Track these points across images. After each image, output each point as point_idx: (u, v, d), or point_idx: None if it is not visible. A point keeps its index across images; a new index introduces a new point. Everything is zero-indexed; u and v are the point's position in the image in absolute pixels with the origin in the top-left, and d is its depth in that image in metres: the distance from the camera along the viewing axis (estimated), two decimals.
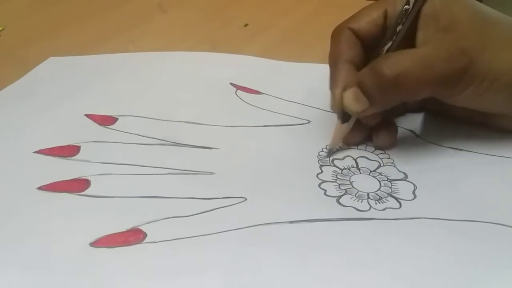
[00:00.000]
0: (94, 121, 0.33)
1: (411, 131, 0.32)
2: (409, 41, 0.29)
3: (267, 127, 0.33)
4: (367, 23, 0.31)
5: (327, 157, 0.30)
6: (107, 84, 0.37)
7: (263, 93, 0.37)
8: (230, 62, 0.40)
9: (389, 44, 0.29)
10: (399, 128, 0.32)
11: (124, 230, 0.25)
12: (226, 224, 0.25)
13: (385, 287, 0.22)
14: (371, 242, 0.24)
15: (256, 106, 0.35)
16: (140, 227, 0.25)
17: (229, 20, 0.48)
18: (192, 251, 0.24)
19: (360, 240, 0.24)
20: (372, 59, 0.30)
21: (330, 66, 0.31)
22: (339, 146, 0.31)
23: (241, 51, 0.42)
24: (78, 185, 0.27)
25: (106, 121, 0.33)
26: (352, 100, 0.29)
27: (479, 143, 0.31)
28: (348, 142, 0.31)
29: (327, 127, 0.33)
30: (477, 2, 0.30)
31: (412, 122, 0.33)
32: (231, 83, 0.37)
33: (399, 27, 0.29)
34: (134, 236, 0.24)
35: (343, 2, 0.50)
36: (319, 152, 0.31)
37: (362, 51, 0.31)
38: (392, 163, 0.30)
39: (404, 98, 0.29)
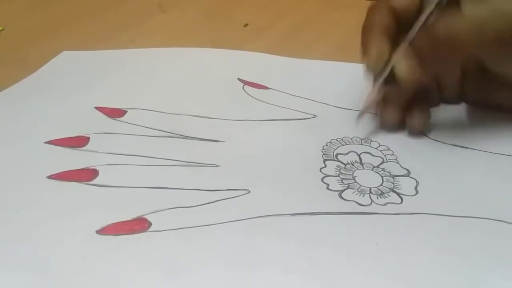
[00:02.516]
0: (104, 113, 0.34)
1: None
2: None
3: (273, 121, 0.34)
4: (406, 1, 0.31)
5: (357, 119, 0.31)
6: (117, 78, 0.38)
7: (270, 88, 0.37)
8: (237, 58, 0.41)
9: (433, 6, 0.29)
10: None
11: (130, 219, 0.25)
12: (229, 215, 0.26)
13: (384, 280, 0.23)
14: (371, 235, 0.25)
15: (263, 101, 0.36)
16: (145, 216, 0.25)
17: (229, 20, 0.48)
18: (195, 240, 0.24)
19: (360, 233, 0.25)
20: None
21: (364, 32, 0.31)
22: (339, 139, 0.32)
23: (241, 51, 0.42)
24: (87, 175, 0.28)
25: (116, 113, 0.34)
26: (404, 59, 0.29)
27: (484, 141, 0.31)
28: (385, 122, 0.32)
29: (332, 121, 0.33)
30: None
31: None
32: (238, 79, 0.38)
33: None
34: (139, 225, 0.25)
35: (343, 2, 0.50)
36: (323, 146, 0.31)
37: (395, 27, 0.31)
38: (395, 159, 0.30)
39: (456, 58, 0.29)
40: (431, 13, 0.30)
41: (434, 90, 0.34)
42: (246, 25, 0.46)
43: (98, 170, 0.29)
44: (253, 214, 0.26)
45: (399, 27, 0.31)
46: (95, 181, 0.28)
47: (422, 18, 0.30)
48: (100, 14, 0.49)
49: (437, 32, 0.28)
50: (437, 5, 0.29)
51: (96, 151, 0.30)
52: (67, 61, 0.41)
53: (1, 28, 0.45)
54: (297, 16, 0.49)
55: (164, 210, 0.26)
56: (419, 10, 0.31)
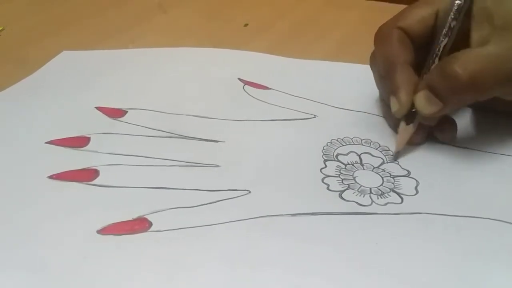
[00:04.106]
0: (104, 113, 0.34)
1: None
2: (462, 42, 0.29)
3: (273, 121, 0.34)
4: (418, 22, 0.31)
5: (394, 161, 0.30)
6: (118, 78, 0.38)
7: (271, 89, 0.37)
8: (238, 58, 0.41)
9: (446, 40, 0.29)
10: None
11: (131, 219, 0.25)
12: (229, 215, 0.26)
13: (385, 280, 0.23)
14: (372, 235, 0.25)
15: (263, 101, 0.36)
16: (145, 216, 0.25)
17: (229, 20, 0.48)
18: (196, 240, 0.24)
19: (361, 233, 0.25)
20: (426, 60, 0.30)
21: (386, 70, 0.31)
22: (340, 139, 0.32)
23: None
24: (87, 175, 0.28)
25: (116, 113, 0.34)
26: (425, 103, 0.29)
27: (485, 141, 0.31)
28: (412, 143, 0.31)
29: (332, 121, 0.33)
30: None
31: None
32: (238, 78, 0.38)
33: (453, 23, 0.29)
34: (140, 224, 0.25)
35: (343, 2, 0.50)
36: (323, 147, 0.31)
37: (414, 52, 0.31)
38: (395, 160, 0.30)
39: (478, 97, 0.29)
40: (444, 46, 0.29)
41: None
42: (246, 25, 0.46)
43: (98, 170, 0.29)
44: (254, 214, 0.26)
45: (416, 46, 0.31)
46: (95, 181, 0.28)
47: (434, 52, 0.29)
48: (100, 14, 0.48)
49: (457, 74, 0.27)
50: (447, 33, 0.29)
51: (97, 151, 0.30)
52: (67, 61, 0.40)
53: (1, 28, 0.45)
54: (297, 16, 0.49)
55: (164, 210, 0.26)
56: (431, 33, 0.30)
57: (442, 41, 0.29)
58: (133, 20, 0.47)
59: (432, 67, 0.30)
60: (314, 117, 0.34)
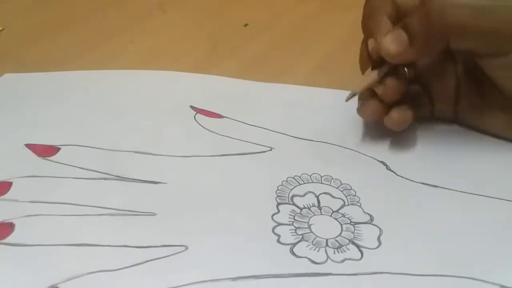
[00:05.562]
0: (34, 151, 0.30)
1: (382, 162, 0.29)
2: None
3: (224, 157, 0.30)
4: None
5: (346, 101, 0.29)
6: (55, 107, 0.34)
7: (224, 117, 0.33)
8: (194, 82, 0.37)
9: None
10: (368, 159, 0.29)
11: None
12: (159, 282, 0.22)
13: None
14: None
15: (215, 132, 0.32)
16: (58, 286, 0.22)
17: (229, 20, 0.47)
18: None
19: None
20: None
21: (367, 14, 0.30)
22: (297, 177, 0.28)
23: (241, 51, 0.42)
24: (0, 231, 0.24)
25: (47, 151, 0.30)
26: (391, 41, 0.28)
27: (458, 178, 0.28)
28: (364, 115, 0.31)
29: (290, 154, 0.30)
30: None
31: (384, 152, 0.30)
32: (191, 106, 0.34)
33: None
34: None
35: (343, 2, 0.50)
36: (278, 186, 0.28)
37: (396, 13, 0.30)
38: (358, 202, 0.27)
39: (449, 39, 0.27)
40: None
41: (425, 98, 0.32)
42: (246, 25, 0.46)
43: (14, 224, 0.25)
44: (188, 279, 0.22)
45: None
46: (8, 239, 0.24)
47: None
48: (100, 14, 0.48)
49: (431, 5, 0.26)
50: None
51: (17, 200, 0.26)
52: (5, 86, 0.37)
53: (1, 28, 0.45)
54: (297, 16, 0.48)
55: (82, 275, 0.22)
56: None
57: None
58: (133, 20, 0.47)
59: None
60: (271, 149, 0.30)
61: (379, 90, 0.29)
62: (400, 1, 0.30)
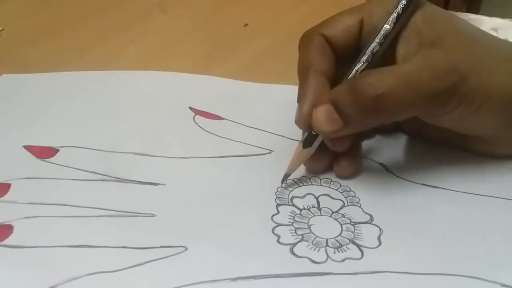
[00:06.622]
0: (33, 153, 0.30)
1: (381, 164, 0.29)
2: (387, 55, 0.26)
3: (223, 158, 0.30)
4: (342, 30, 0.28)
5: (281, 182, 0.27)
6: (54, 108, 0.34)
7: (224, 119, 0.33)
8: (193, 83, 0.37)
9: (363, 65, 0.26)
10: (368, 161, 0.29)
11: None
12: (158, 283, 0.22)
13: None
14: None
15: (214, 134, 0.32)
16: (57, 287, 0.22)
17: (229, 20, 0.47)
18: None
19: None
20: (344, 76, 0.27)
21: (299, 76, 0.28)
22: (296, 179, 0.28)
23: (241, 51, 0.42)
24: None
25: (45, 153, 0.30)
26: (324, 119, 0.26)
27: (457, 179, 0.27)
28: (310, 169, 0.28)
29: (289, 157, 0.29)
30: (461, 18, 0.27)
31: (383, 154, 0.30)
32: (190, 107, 0.34)
33: (375, 47, 0.26)
34: None
35: (343, 2, 0.49)
36: (277, 188, 0.27)
37: (334, 61, 0.28)
38: (357, 202, 0.26)
39: (386, 119, 0.26)
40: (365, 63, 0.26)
41: None
42: (246, 25, 0.46)
43: (13, 226, 0.25)
44: (188, 280, 0.22)
45: (338, 61, 0.28)
46: (7, 241, 0.24)
47: (353, 69, 0.26)
48: (100, 14, 0.48)
49: (364, 93, 0.24)
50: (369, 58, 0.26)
51: (15, 202, 0.26)
52: (3, 87, 0.37)
53: (1, 28, 0.45)
54: (297, 16, 0.48)
55: (81, 277, 0.22)
56: (357, 40, 0.28)
57: (359, 63, 0.26)
58: (133, 20, 0.47)
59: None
60: (270, 152, 0.30)
61: (328, 144, 0.27)
62: (338, 34, 0.28)
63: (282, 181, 0.27)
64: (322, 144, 0.27)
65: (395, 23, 0.26)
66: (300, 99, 0.27)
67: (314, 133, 0.27)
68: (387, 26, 0.26)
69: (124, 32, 0.44)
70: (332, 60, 0.28)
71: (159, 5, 0.50)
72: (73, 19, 0.47)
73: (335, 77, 0.28)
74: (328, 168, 0.28)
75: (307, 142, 0.27)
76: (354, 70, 0.26)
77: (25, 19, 0.47)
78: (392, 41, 0.26)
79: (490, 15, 0.38)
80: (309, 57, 0.27)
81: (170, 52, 0.42)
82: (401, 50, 0.26)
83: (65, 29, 0.45)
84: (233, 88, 0.37)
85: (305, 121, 0.27)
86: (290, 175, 0.27)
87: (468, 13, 0.27)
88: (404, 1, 0.26)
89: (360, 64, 0.26)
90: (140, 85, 0.37)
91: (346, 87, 0.25)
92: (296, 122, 0.28)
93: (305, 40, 0.28)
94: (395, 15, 0.26)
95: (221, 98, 0.35)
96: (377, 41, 0.26)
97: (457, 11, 0.32)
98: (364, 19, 0.28)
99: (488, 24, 0.26)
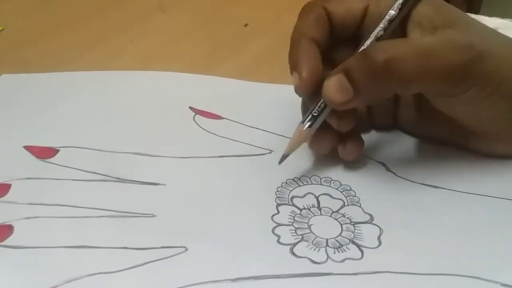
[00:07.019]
0: (33, 153, 0.30)
1: (381, 163, 0.29)
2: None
3: (223, 158, 0.30)
4: (345, 10, 0.28)
5: (279, 163, 0.27)
6: (54, 108, 0.34)
7: (224, 118, 0.33)
8: (193, 83, 0.37)
9: (381, 31, 0.26)
10: (368, 160, 0.29)
11: None
12: (157, 284, 0.22)
13: None
14: None
15: (214, 134, 0.32)
16: None
17: (229, 20, 0.47)
18: None
19: None
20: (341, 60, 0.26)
21: (292, 41, 0.28)
22: (296, 178, 0.28)
23: (241, 51, 0.42)
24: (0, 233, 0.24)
25: (46, 153, 0.30)
26: (336, 89, 0.25)
27: (457, 179, 0.27)
28: (315, 150, 0.28)
29: (290, 156, 0.29)
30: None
31: (383, 152, 0.30)
32: (190, 107, 0.34)
33: (379, 32, 0.26)
34: None
35: None
36: (277, 188, 0.27)
37: (329, 35, 0.28)
38: (357, 202, 0.26)
39: (396, 89, 0.25)
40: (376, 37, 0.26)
41: (365, 117, 0.31)
42: (246, 25, 0.46)
43: (13, 227, 0.25)
44: (188, 280, 0.22)
45: (333, 39, 0.28)
46: (7, 241, 0.24)
47: (366, 40, 0.26)
48: (100, 14, 0.48)
49: (375, 57, 0.24)
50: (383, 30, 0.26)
51: (16, 202, 0.26)
52: (2, 87, 0.37)
53: (1, 28, 0.45)
54: (297, 16, 0.48)
55: (82, 277, 0.22)
56: (359, 26, 0.28)
57: (376, 31, 0.26)
58: (133, 20, 0.47)
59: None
60: (270, 152, 0.30)
61: (333, 123, 0.27)
62: (340, 12, 0.28)
63: (280, 162, 0.27)
64: (326, 124, 0.27)
65: (400, 9, 0.26)
66: (296, 66, 0.27)
67: (315, 114, 0.27)
68: (392, 12, 0.26)
69: (124, 32, 0.44)
70: (328, 32, 0.27)
71: (159, 5, 0.50)
72: (73, 19, 0.47)
73: (328, 56, 0.28)
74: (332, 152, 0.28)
75: (308, 122, 0.27)
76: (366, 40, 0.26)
77: (25, 19, 0.47)
78: (401, 28, 0.26)
79: (490, 15, 0.38)
80: (306, 25, 0.27)
81: (170, 52, 0.42)
82: (415, 34, 0.26)
83: (65, 29, 0.45)
84: (233, 88, 0.37)
85: (305, 87, 0.26)
86: (288, 155, 0.27)
87: (468, 13, 0.27)
88: None
89: (364, 48, 0.26)
90: (140, 85, 0.37)
91: (359, 57, 0.25)
92: (296, 89, 0.27)
93: (306, 9, 0.28)
94: (400, 1, 0.26)
95: (221, 98, 0.35)
96: (382, 26, 0.26)
97: None
98: (370, 7, 0.27)
99: (488, 24, 0.26)
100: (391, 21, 0.26)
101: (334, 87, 0.25)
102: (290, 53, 0.28)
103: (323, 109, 0.27)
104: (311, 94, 0.27)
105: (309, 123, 0.27)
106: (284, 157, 0.27)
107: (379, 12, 0.27)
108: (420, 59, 0.24)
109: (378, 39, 0.26)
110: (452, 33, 0.25)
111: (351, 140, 0.28)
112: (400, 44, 0.25)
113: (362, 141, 0.29)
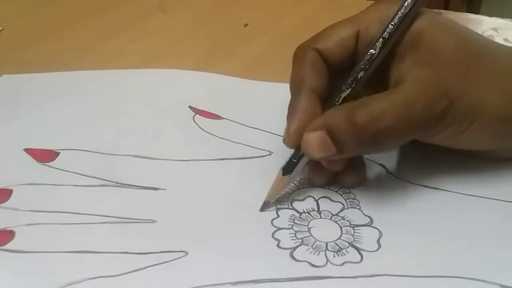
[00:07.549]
0: (34, 156, 0.30)
1: (381, 165, 0.29)
2: (381, 69, 0.26)
3: (223, 161, 0.30)
4: (336, 44, 0.27)
5: (260, 210, 0.26)
6: (54, 108, 0.34)
7: (223, 118, 0.33)
8: (193, 80, 0.37)
9: (348, 91, 0.26)
10: (368, 162, 0.29)
11: None
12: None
13: None
14: None
15: (214, 135, 0.32)
16: None
17: (229, 20, 0.47)
18: None
19: None
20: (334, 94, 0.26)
21: (291, 93, 0.28)
22: (296, 181, 0.28)
23: (241, 51, 0.42)
24: (0, 238, 0.25)
25: (46, 156, 0.30)
26: (317, 146, 0.25)
27: (457, 181, 0.27)
28: (313, 183, 0.28)
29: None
30: (465, 27, 0.27)
31: (383, 154, 0.30)
32: (189, 106, 0.34)
33: (360, 73, 0.26)
34: None
35: (343, 2, 0.50)
36: None
37: (327, 77, 0.27)
38: (357, 204, 0.27)
39: (382, 150, 0.26)
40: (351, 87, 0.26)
41: None
42: (246, 25, 0.46)
43: (14, 232, 0.25)
44: (188, 284, 0.22)
45: (332, 75, 0.27)
46: (8, 246, 0.24)
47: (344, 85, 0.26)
48: (100, 14, 0.48)
49: (363, 125, 0.24)
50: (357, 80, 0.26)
51: (17, 209, 0.26)
52: (3, 88, 0.37)
53: (1, 28, 0.45)
54: (297, 16, 0.48)
55: (82, 281, 0.22)
56: (353, 53, 0.27)
57: (344, 91, 0.26)
58: (133, 20, 0.47)
59: (338, 104, 0.26)
60: (270, 154, 0.30)
61: (323, 163, 0.27)
62: (332, 48, 0.27)
63: (261, 209, 0.26)
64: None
65: (381, 48, 0.25)
66: (289, 117, 0.27)
67: (294, 160, 0.26)
68: (372, 51, 0.25)
69: (124, 32, 0.45)
70: (326, 76, 0.27)
71: (159, 5, 0.50)
72: (73, 19, 0.47)
73: (328, 93, 0.27)
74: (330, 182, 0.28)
75: (287, 169, 0.26)
76: (339, 97, 0.26)
77: (25, 19, 0.47)
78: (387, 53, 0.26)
79: (490, 15, 0.38)
80: (302, 73, 0.27)
81: (170, 52, 0.42)
82: (396, 66, 0.26)
83: (65, 29, 0.45)
84: (233, 86, 0.37)
85: (292, 141, 0.26)
86: (269, 202, 0.26)
87: (468, 13, 0.27)
88: (391, 26, 0.25)
89: (345, 91, 0.26)
90: (140, 84, 0.37)
91: (343, 116, 0.25)
92: (284, 141, 0.27)
93: (299, 55, 0.28)
94: (381, 39, 0.25)
95: (221, 97, 0.35)
96: (362, 66, 0.25)
97: (457, 11, 0.32)
98: (360, 32, 0.27)
99: (488, 24, 0.26)
100: (371, 61, 0.25)
101: (316, 144, 0.25)
102: (290, 104, 0.27)
103: (301, 156, 0.26)
104: (297, 147, 0.26)
105: (288, 171, 0.26)
106: (265, 204, 0.26)
107: (368, 38, 0.26)
108: (406, 121, 0.24)
109: (358, 81, 0.25)
110: (428, 78, 0.25)
111: (350, 170, 0.27)
112: (387, 108, 0.24)
113: (363, 165, 0.28)
